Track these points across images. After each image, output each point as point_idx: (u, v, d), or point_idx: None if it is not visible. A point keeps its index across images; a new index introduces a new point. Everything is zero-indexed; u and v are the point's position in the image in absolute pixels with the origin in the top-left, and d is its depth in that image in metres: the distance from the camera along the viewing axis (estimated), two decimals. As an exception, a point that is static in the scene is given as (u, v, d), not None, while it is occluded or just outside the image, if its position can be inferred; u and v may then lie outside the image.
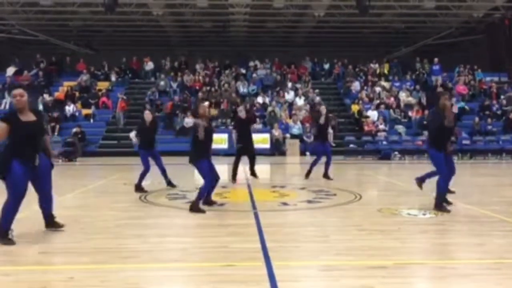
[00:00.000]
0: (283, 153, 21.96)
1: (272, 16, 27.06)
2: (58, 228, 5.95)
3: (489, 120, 23.26)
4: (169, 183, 10.22)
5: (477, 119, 23.11)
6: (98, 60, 28.05)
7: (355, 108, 24.40)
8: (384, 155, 20.55)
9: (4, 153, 5.44)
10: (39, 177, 5.66)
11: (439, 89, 23.71)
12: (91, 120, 23.73)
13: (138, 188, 9.66)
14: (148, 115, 10.12)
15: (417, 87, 25.93)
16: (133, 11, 25.08)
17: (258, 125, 23.38)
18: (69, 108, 23.78)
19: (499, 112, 24.42)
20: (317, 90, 25.89)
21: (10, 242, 5.32)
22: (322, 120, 11.85)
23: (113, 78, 26.91)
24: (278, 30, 29.68)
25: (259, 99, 25.02)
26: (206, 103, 8.66)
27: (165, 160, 10.48)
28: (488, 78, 27.02)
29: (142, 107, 24.42)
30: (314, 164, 12.00)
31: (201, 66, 27.63)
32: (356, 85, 26.29)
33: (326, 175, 11.90)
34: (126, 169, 15.44)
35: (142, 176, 9.75)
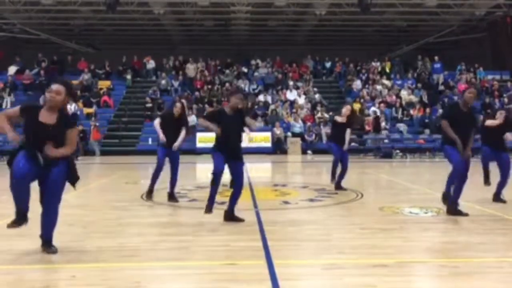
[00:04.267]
0: (284, 152, 21.96)
1: (273, 15, 27.05)
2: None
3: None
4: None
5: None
6: (99, 59, 28.05)
7: (356, 106, 24.34)
8: (385, 154, 20.53)
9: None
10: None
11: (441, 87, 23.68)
12: (93, 119, 23.74)
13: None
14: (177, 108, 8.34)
15: (419, 85, 25.90)
16: (134, 10, 25.09)
17: (259, 124, 23.39)
18: (71, 107, 23.75)
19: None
20: (315, 89, 25.86)
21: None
22: (341, 119, 9.87)
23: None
24: (279, 29, 29.64)
25: (261, 98, 25.02)
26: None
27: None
28: (490, 76, 26.97)
29: (143, 105, 24.49)
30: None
31: (202, 64, 27.62)
32: (357, 84, 26.27)
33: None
34: (127, 167, 15.45)
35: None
